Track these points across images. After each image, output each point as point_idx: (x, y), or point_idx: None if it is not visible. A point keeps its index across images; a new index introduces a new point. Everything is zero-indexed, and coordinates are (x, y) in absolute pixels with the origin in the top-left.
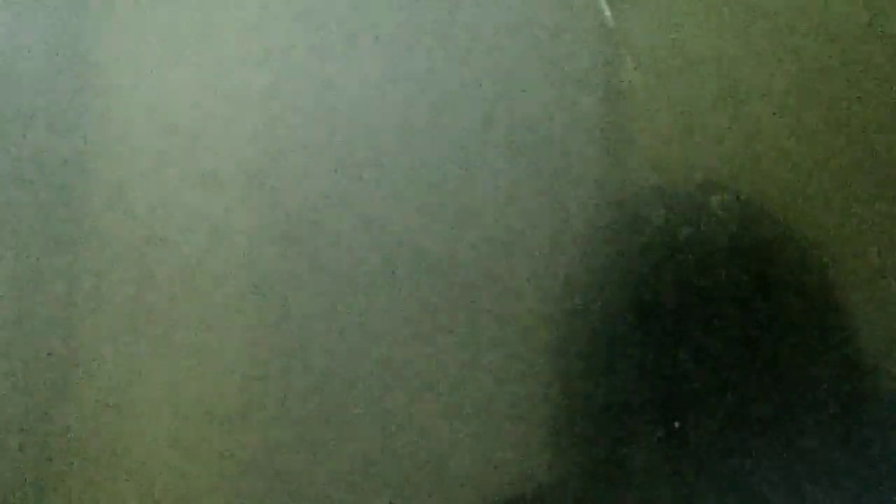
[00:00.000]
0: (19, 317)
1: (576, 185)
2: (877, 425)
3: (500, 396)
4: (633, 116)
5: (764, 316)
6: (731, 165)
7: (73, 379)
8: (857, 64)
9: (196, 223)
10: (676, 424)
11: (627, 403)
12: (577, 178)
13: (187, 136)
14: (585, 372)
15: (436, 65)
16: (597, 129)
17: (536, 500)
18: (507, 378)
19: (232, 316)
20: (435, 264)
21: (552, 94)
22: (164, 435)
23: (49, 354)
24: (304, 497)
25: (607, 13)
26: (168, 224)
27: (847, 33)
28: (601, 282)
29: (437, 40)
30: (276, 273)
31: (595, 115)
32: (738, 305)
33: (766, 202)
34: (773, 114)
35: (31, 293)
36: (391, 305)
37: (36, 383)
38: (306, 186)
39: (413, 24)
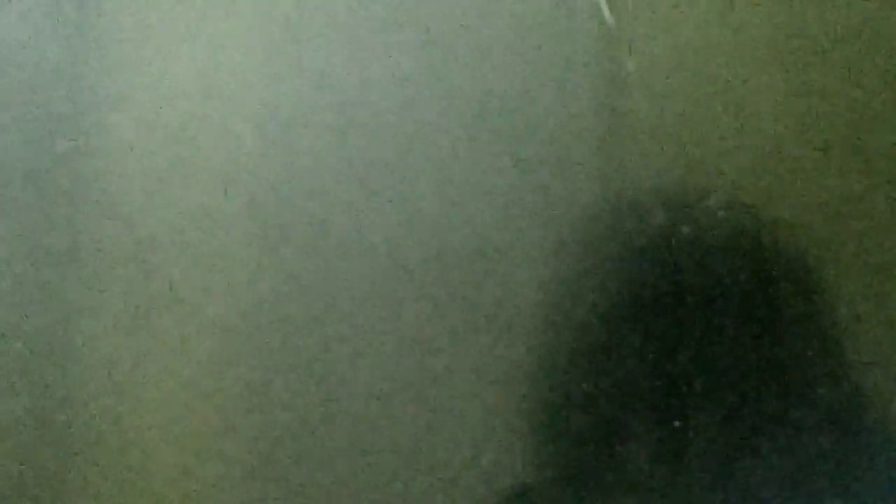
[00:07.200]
0: (18, 316)
1: (575, 185)
2: (877, 425)
3: (498, 396)
4: (633, 116)
5: (764, 316)
6: (731, 165)
7: (72, 379)
8: (859, 63)
9: (195, 223)
10: (676, 424)
11: (627, 403)
12: (577, 177)
13: (186, 135)
14: (585, 372)
15: (435, 64)
16: (596, 128)
17: (536, 499)
18: (506, 378)
19: (232, 316)
20: (434, 264)
21: (552, 94)
22: (164, 435)
23: (48, 354)
24: (302, 497)
25: (607, 13)
26: (166, 224)
27: (848, 32)
28: (601, 282)
29: (436, 40)
30: (276, 272)
31: (595, 115)
32: (738, 305)
33: (766, 202)
34: (774, 113)
35: (30, 293)
36: (389, 305)
37: (36, 383)
38: (305, 187)
39: (413, 23)
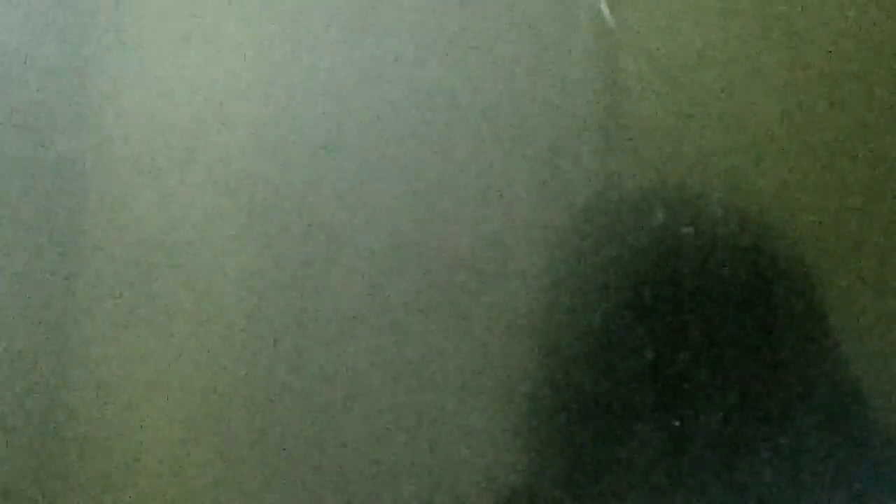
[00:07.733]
0: (18, 316)
1: (575, 185)
2: (877, 425)
3: (497, 396)
4: (633, 116)
5: (764, 316)
6: (731, 165)
7: (72, 379)
8: (859, 64)
9: (194, 223)
10: (676, 424)
11: (627, 403)
12: (577, 177)
13: (187, 135)
14: (585, 372)
15: (434, 64)
16: (596, 128)
17: (535, 500)
18: (505, 378)
19: (231, 315)
20: (433, 263)
21: (551, 94)
22: (164, 435)
23: (48, 354)
24: (300, 496)
25: (607, 13)
26: (166, 224)
27: (849, 34)
28: (601, 282)
29: (435, 39)
30: (275, 271)
31: (594, 115)
32: (738, 305)
33: (767, 202)
34: (774, 113)
35: (30, 293)
36: (389, 305)
37: (36, 383)
38: (304, 185)
39: (412, 23)
